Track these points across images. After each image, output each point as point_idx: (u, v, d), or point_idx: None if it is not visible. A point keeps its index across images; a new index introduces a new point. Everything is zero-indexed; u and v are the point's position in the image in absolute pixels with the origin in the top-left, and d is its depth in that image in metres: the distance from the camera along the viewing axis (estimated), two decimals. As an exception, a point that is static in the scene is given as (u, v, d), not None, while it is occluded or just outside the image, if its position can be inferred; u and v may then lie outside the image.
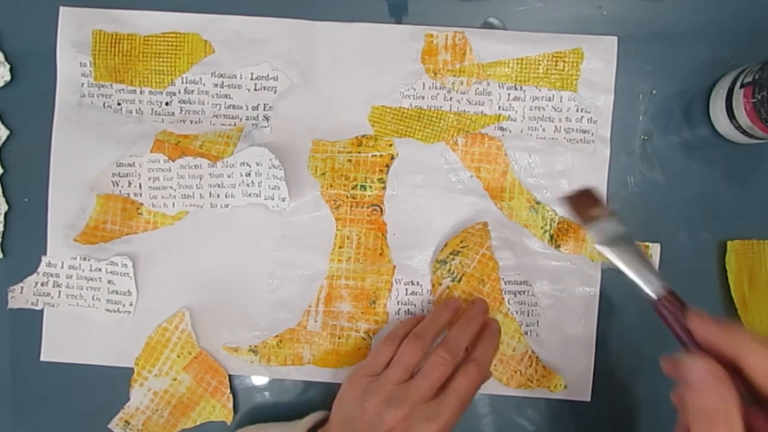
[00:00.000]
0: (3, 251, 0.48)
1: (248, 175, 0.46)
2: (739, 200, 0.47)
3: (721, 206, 0.47)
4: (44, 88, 0.48)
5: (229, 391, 0.47)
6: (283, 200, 0.46)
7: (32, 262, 0.48)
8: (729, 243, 0.46)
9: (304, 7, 0.47)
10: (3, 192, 0.48)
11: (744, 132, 0.43)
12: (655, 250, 0.46)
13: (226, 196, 0.46)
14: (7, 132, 0.48)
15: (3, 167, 0.48)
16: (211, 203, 0.46)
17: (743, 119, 0.42)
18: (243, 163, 0.46)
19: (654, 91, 0.47)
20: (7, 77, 0.47)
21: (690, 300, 0.34)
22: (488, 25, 0.47)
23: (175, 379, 0.47)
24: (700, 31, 0.47)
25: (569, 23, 0.47)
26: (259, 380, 0.48)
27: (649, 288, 0.34)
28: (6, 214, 0.48)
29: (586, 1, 0.47)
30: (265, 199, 0.46)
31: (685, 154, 0.47)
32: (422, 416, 0.38)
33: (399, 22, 0.47)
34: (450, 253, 0.46)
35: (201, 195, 0.46)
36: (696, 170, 0.47)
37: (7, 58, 0.47)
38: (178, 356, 0.47)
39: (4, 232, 0.48)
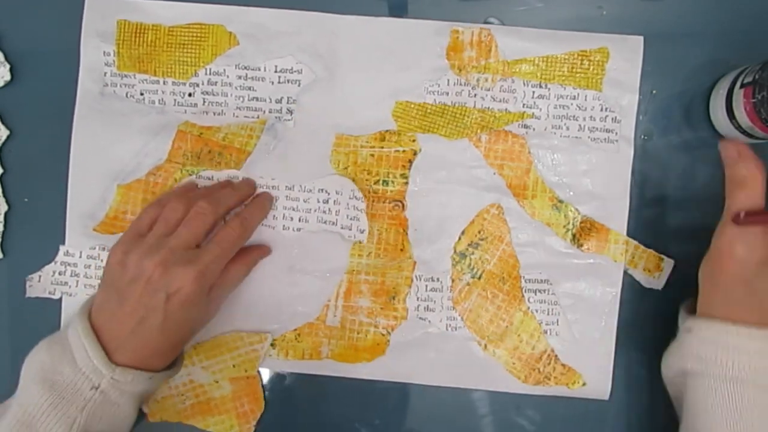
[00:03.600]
0: (3, 251, 0.48)
1: (326, 202, 0.46)
2: None
3: (721, 206, 0.47)
4: (44, 88, 0.48)
5: (255, 423, 0.47)
6: (362, 232, 0.46)
7: (32, 262, 0.48)
8: None
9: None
10: (3, 192, 0.48)
11: (744, 132, 0.43)
12: (668, 266, 0.46)
13: (299, 220, 0.47)
14: (7, 132, 0.48)
15: (3, 167, 0.48)
16: (284, 225, 0.47)
17: (743, 119, 0.42)
18: (321, 189, 0.46)
19: (654, 91, 0.47)
20: (7, 77, 0.47)
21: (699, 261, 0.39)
22: (488, 25, 0.47)
23: (217, 382, 0.47)
24: (700, 31, 0.47)
25: (569, 23, 0.47)
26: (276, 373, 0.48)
27: None
28: (6, 214, 0.48)
29: (586, 1, 0.47)
30: (342, 228, 0.47)
31: (685, 154, 0.47)
32: (181, 260, 0.39)
33: (401, 18, 0.47)
34: (469, 245, 0.46)
35: (274, 216, 0.47)
36: (696, 170, 0.47)
37: (7, 58, 0.47)
38: (234, 366, 0.47)
39: (4, 232, 0.48)
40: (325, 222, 0.47)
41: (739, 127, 0.43)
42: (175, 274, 0.39)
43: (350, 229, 0.47)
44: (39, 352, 0.39)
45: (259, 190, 0.47)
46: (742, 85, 0.42)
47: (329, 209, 0.47)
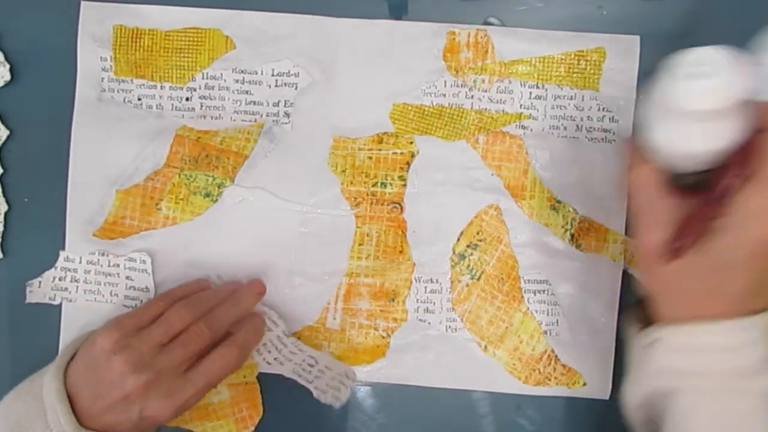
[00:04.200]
0: (3, 251, 0.48)
1: None
2: None
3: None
4: (44, 88, 0.48)
5: (253, 429, 0.47)
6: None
7: (32, 262, 0.48)
8: None
9: (305, 2, 0.47)
10: (3, 192, 0.48)
11: None
12: None
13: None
14: (7, 132, 0.48)
15: (3, 167, 0.48)
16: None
17: None
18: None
19: None
20: (7, 77, 0.47)
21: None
22: (488, 25, 0.47)
23: (216, 387, 0.47)
24: (699, 31, 0.47)
25: (569, 23, 0.47)
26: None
27: None
28: (6, 214, 0.48)
29: (586, 1, 0.47)
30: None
31: None
32: (163, 390, 0.39)
33: (399, 20, 0.47)
34: (467, 246, 0.46)
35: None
36: None
37: (7, 58, 0.47)
38: (234, 372, 0.47)
39: (4, 232, 0.48)
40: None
41: None
42: (153, 403, 0.38)
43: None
44: (11, 395, 0.40)
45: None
46: None
47: None
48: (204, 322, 0.41)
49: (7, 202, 0.48)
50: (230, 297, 0.44)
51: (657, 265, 0.33)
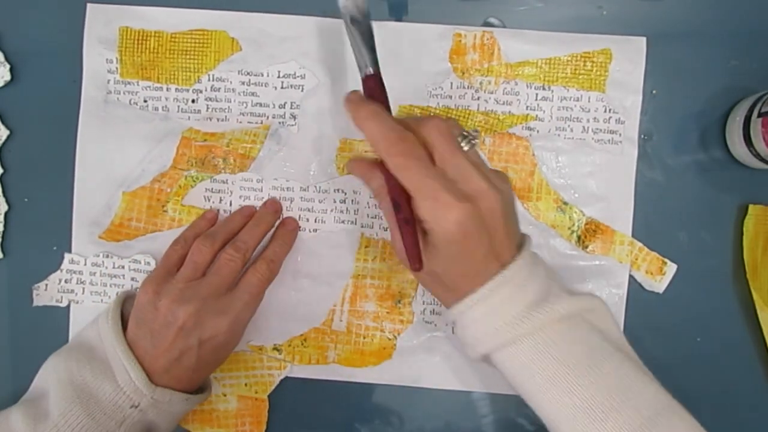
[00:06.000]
0: (3, 251, 0.48)
1: (343, 202, 0.46)
2: (738, 197, 0.47)
3: (722, 204, 0.47)
4: (45, 87, 0.48)
5: None
6: (385, 230, 0.47)
7: (32, 262, 0.48)
8: (750, 206, 0.46)
9: (310, 4, 0.47)
10: (3, 192, 0.48)
11: (763, 160, 0.44)
12: (671, 270, 0.46)
13: (315, 221, 0.47)
14: (7, 132, 0.48)
15: (3, 167, 0.48)
16: (300, 226, 0.47)
17: (762, 148, 0.43)
18: (338, 189, 0.46)
19: (654, 92, 0.47)
20: (7, 77, 0.47)
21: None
22: (488, 25, 0.47)
23: (225, 395, 0.47)
24: (700, 31, 0.47)
25: (569, 23, 0.47)
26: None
27: (360, 63, 0.38)
28: (6, 214, 0.48)
29: (586, 1, 0.47)
30: (362, 227, 0.47)
31: (684, 154, 0.47)
32: (213, 310, 0.41)
33: (399, 20, 0.47)
34: None
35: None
36: (695, 169, 0.47)
37: (7, 58, 0.47)
38: (246, 385, 0.47)
39: (4, 232, 0.48)
40: (343, 222, 0.47)
41: (757, 155, 0.44)
42: (208, 324, 0.41)
43: (372, 228, 0.47)
44: (69, 363, 0.41)
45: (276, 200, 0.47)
46: (760, 114, 0.42)
47: (346, 209, 0.47)
48: (231, 247, 0.43)
49: (7, 202, 0.48)
50: (252, 219, 0.46)
51: (415, 273, 0.37)
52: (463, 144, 0.37)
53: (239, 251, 0.43)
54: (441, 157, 0.36)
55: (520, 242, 0.38)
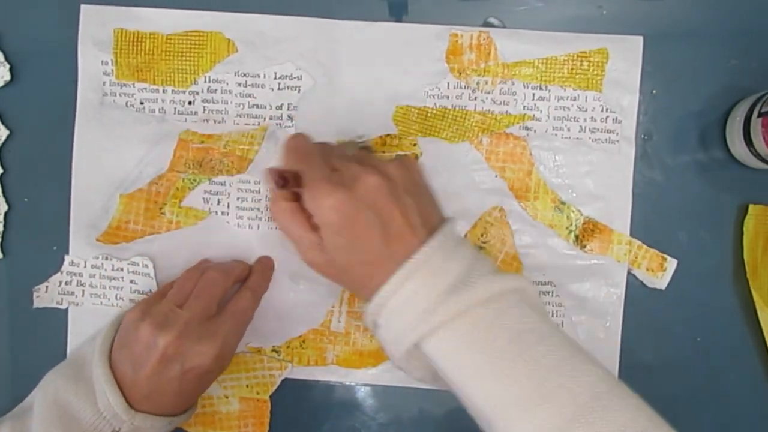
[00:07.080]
0: (3, 251, 0.48)
1: None
2: (738, 197, 0.47)
3: (722, 204, 0.47)
4: (44, 88, 0.47)
5: None
6: None
7: (32, 262, 0.48)
8: (750, 206, 0.46)
9: (306, 5, 0.47)
10: (3, 192, 0.48)
11: (763, 160, 0.44)
12: (671, 265, 0.46)
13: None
14: (7, 132, 0.47)
15: (3, 167, 0.48)
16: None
17: (762, 148, 0.43)
18: None
19: (654, 92, 0.47)
20: (7, 77, 0.47)
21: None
22: (488, 25, 0.47)
23: (227, 398, 0.47)
24: (700, 30, 0.47)
25: (569, 23, 0.47)
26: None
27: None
28: (6, 214, 0.48)
29: (586, 1, 0.47)
30: None
31: (684, 154, 0.47)
32: (194, 336, 0.40)
33: (399, 20, 0.47)
34: None
35: None
36: (695, 169, 0.47)
37: (7, 58, 0.47)
38: (248, 386, 0.47)
39: (4, 232, 0.48)
40: None
41: (757, 155, 0.44)
42: (191, 351, 0.39)
43: None
44: (58, 381, 0.40)
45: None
46: (760, 114, 0.42)
47: None
48: (214, 270, 0.43)
49: (7, 202, 0.48)
50: (237, 263, 0.46)
51: (320, 270, 0.39)
52: (347, 148, 0.39)
53: (221, 274, 0.43)
54: (324, 161, 0.38)
55: (436, 225, 0.37)
